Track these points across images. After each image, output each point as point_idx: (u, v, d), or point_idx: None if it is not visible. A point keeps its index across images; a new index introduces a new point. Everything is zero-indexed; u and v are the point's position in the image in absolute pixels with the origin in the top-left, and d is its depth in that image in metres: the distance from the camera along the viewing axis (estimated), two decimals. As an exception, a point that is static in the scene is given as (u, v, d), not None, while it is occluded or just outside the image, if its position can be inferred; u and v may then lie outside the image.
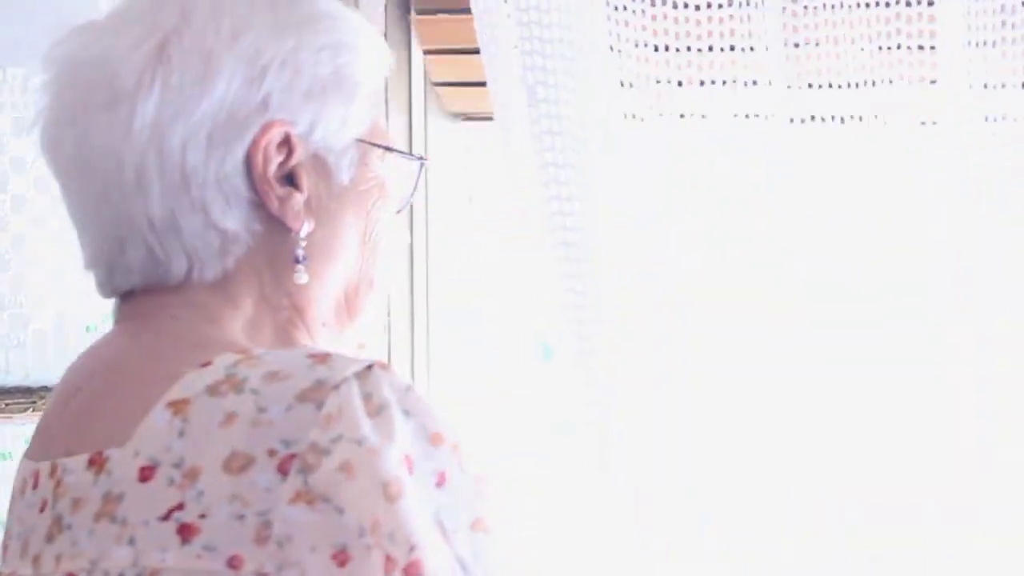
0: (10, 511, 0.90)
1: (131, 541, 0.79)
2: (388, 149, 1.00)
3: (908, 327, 1.41)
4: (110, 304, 0.96)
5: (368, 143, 0.98)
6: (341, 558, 0.77)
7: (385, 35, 1.61)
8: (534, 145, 1.39)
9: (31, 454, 0.91)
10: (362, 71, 0.96)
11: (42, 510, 0.85)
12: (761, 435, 1.43)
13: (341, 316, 0.98)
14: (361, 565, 0.77)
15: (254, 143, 0.91)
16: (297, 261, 0.93)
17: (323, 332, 0.96)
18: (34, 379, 1.75)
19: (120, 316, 0.95)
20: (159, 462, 0.80)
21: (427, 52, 1.67)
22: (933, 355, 1.41)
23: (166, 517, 0.79)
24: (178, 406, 0.81)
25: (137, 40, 0.90)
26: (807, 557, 1.43)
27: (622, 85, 1.43)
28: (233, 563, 0.77)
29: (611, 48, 1.42)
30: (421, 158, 1.05)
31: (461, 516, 0.81)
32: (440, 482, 0.81)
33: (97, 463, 0.83)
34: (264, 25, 0.92)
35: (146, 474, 0.80)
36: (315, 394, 0.79)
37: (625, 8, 1.42)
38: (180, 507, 0.78)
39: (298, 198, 0.92)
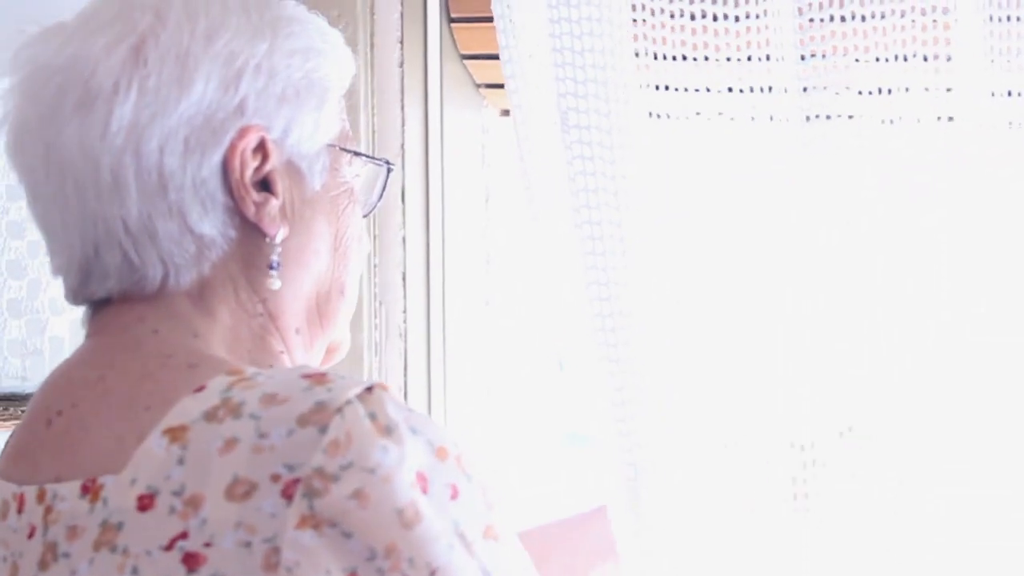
0: None
1: (134, 571, 0.78)
2: (357, 154, 1.00)
3: (930, 334, 1.40)
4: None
5: (339, 148, 0.98)
6: None
7: (425, 41, 1.62)
8: (566, 164, 1.38)
9: (9, 476, 0.89)
10: (330, 76, 0.96)
11: (31, 536, 0.84)
12: (791, 444, 1.40)
13: (313, 323, 0.97)
14: None
15: (231, 147, 0.90)
16: (271, 267, 0.92)
17: (296, 339, 0.96)
18: (51, 386, 1.74)
19: (94, 328, 0.94)
20: (158, 490, 0.79)
21: (465, 57, 1.67)
22: (948, 360, 1.39)
23: (169, 547, 0.78)
24: (175, 433, 0.80)
25: (112, 41, 0.90)
26: (831, 566, 1.41)
27: (642, 87, 1.42)
28: None
29: (636, 54, 1.41)
30: (388, 163, 1.05)
31: (475, 526, 0.81)
32: (453, 495, 0.81)
33: (91, 491, 0.82)
34: (238, 27, 0.92)
35: (145, 503, 0.79)
36: (317, 417, 0.78)
37: (652, 14, 1.41)
38: (183, 536, 0.78)
39: (274, 204, 0.92)
